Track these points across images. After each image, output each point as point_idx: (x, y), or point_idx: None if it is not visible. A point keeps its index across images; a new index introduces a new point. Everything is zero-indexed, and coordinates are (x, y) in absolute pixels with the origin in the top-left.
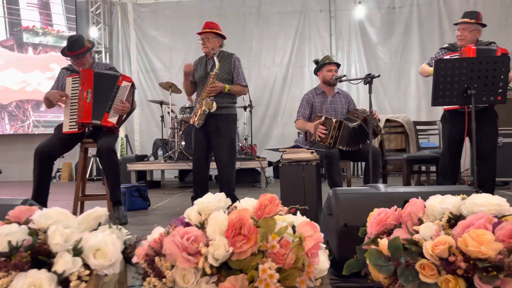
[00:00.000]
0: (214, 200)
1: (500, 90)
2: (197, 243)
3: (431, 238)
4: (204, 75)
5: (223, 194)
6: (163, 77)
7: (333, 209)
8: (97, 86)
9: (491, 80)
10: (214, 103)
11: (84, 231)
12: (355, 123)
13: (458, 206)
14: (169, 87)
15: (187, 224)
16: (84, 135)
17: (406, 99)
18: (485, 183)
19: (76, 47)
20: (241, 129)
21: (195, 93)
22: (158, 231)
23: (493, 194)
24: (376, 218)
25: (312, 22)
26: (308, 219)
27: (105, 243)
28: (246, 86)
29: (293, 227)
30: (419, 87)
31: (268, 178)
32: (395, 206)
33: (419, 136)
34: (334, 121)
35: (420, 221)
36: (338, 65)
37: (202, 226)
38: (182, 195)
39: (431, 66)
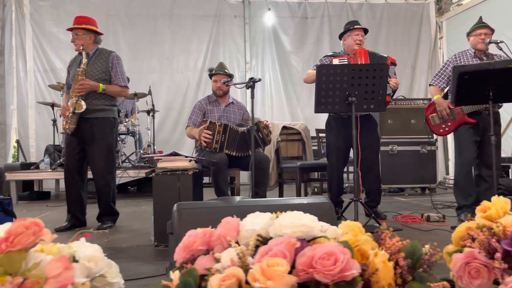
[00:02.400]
0: None
1: (380, 98)
2: None
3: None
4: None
5: None
6: (64, 77)
7: (174, 227)
8: None
9: (371, 88)
10: (83, 102)
11: None
12: (244, 128)
13: (266, 228)
14: (61, 88)
15: None
16: None
17: None
18: (372, 190)
19: None
20: (144, 135)
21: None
22: None
23: (379, 201)
24: (185, 242)
25: (226, 27)
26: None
27: None
28: (126, 87)
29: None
30: None
31: None
32: (210, 227)
33: (323, 144)
34: (218, 125)
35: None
36: (229, 76)
37: None
38: None
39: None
